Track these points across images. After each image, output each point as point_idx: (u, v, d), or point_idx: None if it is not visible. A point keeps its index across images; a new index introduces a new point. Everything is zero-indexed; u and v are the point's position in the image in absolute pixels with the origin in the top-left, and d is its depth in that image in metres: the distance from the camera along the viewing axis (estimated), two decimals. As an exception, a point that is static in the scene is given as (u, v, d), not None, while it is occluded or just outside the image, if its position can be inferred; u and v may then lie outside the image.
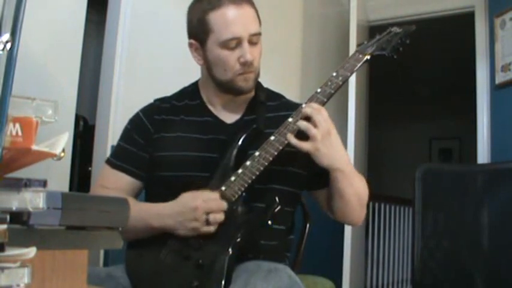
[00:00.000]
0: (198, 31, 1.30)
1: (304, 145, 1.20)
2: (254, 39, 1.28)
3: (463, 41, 3.69)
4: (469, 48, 3.38)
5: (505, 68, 3.01)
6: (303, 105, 1.26)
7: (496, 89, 3.10)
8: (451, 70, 5.49)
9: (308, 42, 3.42)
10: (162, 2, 2.36)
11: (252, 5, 1.30)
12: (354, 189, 1.28)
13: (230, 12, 1.25)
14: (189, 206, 1.17)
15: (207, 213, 1.16)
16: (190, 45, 1.35)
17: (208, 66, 1.33)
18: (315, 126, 1.20)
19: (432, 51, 5.02)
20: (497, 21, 3.08)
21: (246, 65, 1.27)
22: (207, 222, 1.16)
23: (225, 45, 1.26)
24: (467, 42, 3.44)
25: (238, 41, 1.25)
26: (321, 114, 1.21)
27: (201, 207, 1.15)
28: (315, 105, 1.24)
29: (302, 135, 1.21)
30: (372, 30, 3.60)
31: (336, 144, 1.22)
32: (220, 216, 1.17)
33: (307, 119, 1.21)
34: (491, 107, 3.16)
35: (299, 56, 3.35)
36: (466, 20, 3.41)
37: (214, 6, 1.25)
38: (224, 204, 1.18)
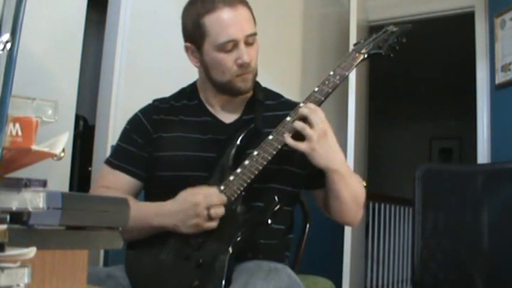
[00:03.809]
0: (194, 35, 1.30)
1: (300, 145, 1.20)
2: (250, 40, 1.28)
3: (463, 41, 3.69)
4: (469, 48, 3.38)
5: (505, 68, 3.01)
6: (301, 104, 1.26)
7: (496, 89, 3.10)
8: (451, 70, 5.49)
9: (308, 42, 3.42)
10: (162, 2, 2.36)
11: (246, 5, 1.30)
12: (350, 190, 1.28)
13: (225, 15, 1.25)
14: (190, 202, 1.16)
15: (208, 209, 1.15)
16: (187, 48, 1.35)
17: (205, 69, 1.33)
18: (311, 126, 1.20)
19: (432, 51, 5.02)
20: (497, 21, 3.08)
21: (244, 66, 1.27)
22: (209, 217, 1.15)
23: (222, 48, 1.26)
24: (467, 42, 3.44)
25: (235, 43, 1.25)
26: (317, 114, 1.21)
27: (202, 202, 1.15)
28: (311, 105, 1.24)
29: (299, 136, 1.21)
30: (372, 30, 3.60)
31: (332, 145, 1.22)
32: (222, 210, 1.17)
33: (304, 119, 1.21)
34: (491, 107, 3.16)
35: (299, 56, 3.35)
36: (466, 20, 3.41)
37: (209, 9, 1.25)
38: (224, 198, 1.18)
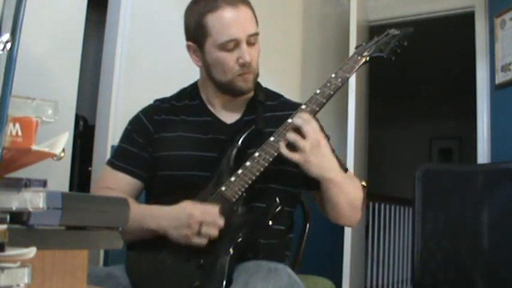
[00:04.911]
0: (196, 34, 1.30)
1: (294, 156, 1.20)
2: (252, 40, 1.28)
3: (463, 41, 3.69)
4: (469, 48, 3.38)
5: (505, 68, 3.01)
6: (303, 106, 1.26)
7: (496, 89, 3.10)
8: (451, 70, 5.49)
9: (308, 42, 3.42)
10: (162, 2, 2.36)
11: (249, 5, 1.31)
12: (345, 196, 1.27)
13: (227, 14, 1.25)
14: (185, 212, 1.16)
15: (201, 224, 1.14)
16: (188, 47, 1.35)
17: (207, 68, 1.33)
18: (304, 137, 1.19)
19: (432, 51, 5.02)
20: (497, 21, 3.08)
21: (245, 66, 1.27)
22: (199, 233, 1.14)
23: (223, 47, 1.26)
24: (467, 42, 3.44)
25: (236, 43, 1.26)
26: (310, 125, 1.20)
27: (196, 216, 1.14)
28: (304, 115, 1.23)
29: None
30: (372, 30, 3.60)
31: (326, 155, 1.22)
32: (214, 232, 1.15)
33: (297, 129, 1.21)
34: (491, 107, 3.16)
35: (299, 56, 3.35)
36: (466, 20, 3.40)
37: (211, 8, 1.26)
38: (221, 222, 1.16)
